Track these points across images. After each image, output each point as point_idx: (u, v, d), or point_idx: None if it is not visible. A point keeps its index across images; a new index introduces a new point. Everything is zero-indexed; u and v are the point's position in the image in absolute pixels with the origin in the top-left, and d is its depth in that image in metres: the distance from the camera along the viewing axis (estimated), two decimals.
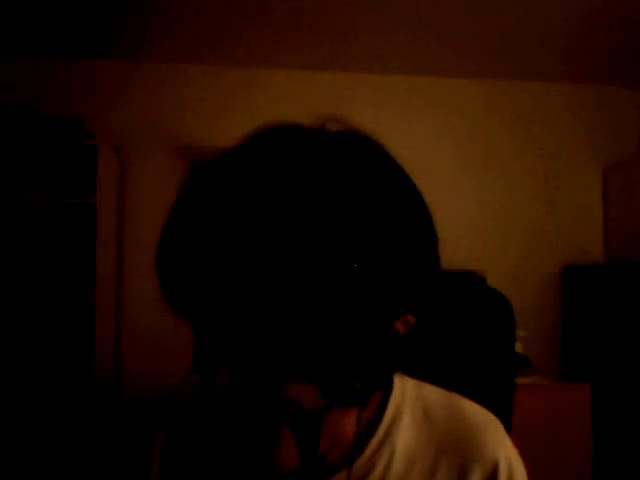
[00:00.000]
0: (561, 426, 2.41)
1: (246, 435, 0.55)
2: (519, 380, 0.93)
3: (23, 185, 2.71)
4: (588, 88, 3.39)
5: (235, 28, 2.76)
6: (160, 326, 3.01)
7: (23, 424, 2.55)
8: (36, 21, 2.69)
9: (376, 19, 2.66)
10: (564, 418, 2.43)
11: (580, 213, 3.35)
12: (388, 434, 0.58)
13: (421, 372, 0.66)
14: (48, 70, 3.07)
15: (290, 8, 2.57)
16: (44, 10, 2.57)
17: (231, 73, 3.20)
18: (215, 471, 0.60)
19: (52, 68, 3.08)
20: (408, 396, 0.60)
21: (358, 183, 0.44)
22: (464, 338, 0.85)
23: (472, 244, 3.22)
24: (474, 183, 3.29)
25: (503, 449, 0.58)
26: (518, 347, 2.54)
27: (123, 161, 3.09)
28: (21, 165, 2.73)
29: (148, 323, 3.03)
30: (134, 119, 3.13)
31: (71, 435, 2.58)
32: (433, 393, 0.62)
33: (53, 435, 2.56)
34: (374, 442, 0.57)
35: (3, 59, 3.03)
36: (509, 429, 0.84)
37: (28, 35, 2.84)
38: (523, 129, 3.35)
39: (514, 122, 3.35)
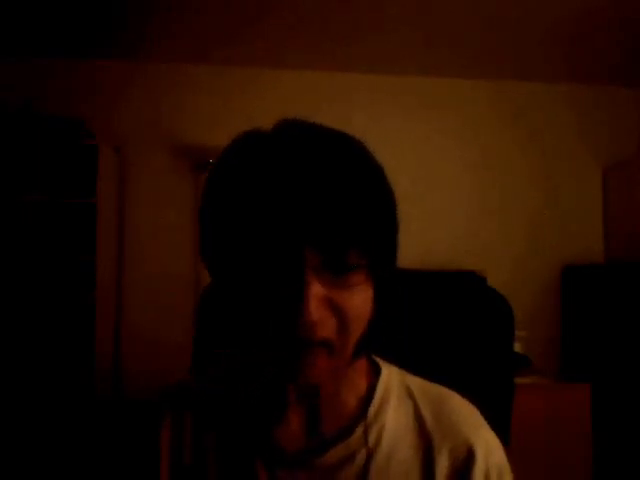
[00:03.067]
0: (561, 426, 2.42)
1: (253, 410, 0.63)
2: (519, 380, 0.93)
3: (23, 185, 2.71)
4: (588, 88, 3.39)
5: (235, 28, 2.76)
6: (160, 326, 3.03)
7: (23, 424, 2.55)
8: (36, 21, 2.69)
9: (376, 20, 2.66)
10: (564, 418, 2.43)
11: (580, 213, 3.35)
12: (378, 412, 0.63)
13: (421, 371, 0.66)
14: (48, 70, 3.07)
15: (290, 9, 2.57)
16: (44, 10, 2.57)
17: (231, 73, 3.20)
18: (223, 463, 0.63)
19: (52, 68, 3.08)
20: (394, 380, 0.66)
21: (349, 147, 0.57)
22: (463, 338, 0.85)
23: (472, 244, 3.22)
24: (474, 183, 3.29)
25: (479, 434, 0.61)
26: (518, 347, 2.54)
27: (123, 161, 3.09)
28: (21, 165, 2.73)
29: (148, 323, 3.04)
30: (134, 119, 3.13)
31: (71, 435, 2.58)
32: (415, 380, 0.66)
33: (53, 435, 2.56)
34: (367, 419, 0.62)
35: (3, 59, 3.03)
36: (509, 429, 0.84)
37: (28, 35, 2.84)
38: (523, 129, 3.34)
39: (514, 122, 3.34)
